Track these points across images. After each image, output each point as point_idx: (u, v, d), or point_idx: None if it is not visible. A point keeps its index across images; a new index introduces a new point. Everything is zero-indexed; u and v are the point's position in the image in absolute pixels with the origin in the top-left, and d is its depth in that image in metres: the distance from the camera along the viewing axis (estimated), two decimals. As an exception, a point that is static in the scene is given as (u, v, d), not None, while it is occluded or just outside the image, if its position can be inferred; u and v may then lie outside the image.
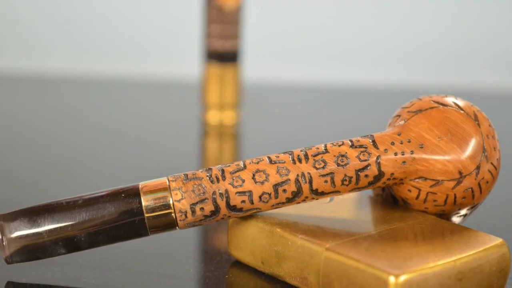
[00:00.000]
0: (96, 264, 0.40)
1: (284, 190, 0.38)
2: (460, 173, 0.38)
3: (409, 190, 0.39)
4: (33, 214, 0.37)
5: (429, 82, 0.96)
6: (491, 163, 0.39)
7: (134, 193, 0.38)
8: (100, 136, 0.69)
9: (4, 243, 0.37)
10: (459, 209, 0.40)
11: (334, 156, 0.38)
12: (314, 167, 0.38)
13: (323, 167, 0.38)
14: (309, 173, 0.38)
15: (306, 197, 0.38)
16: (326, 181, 0.38)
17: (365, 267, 0.35)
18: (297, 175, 0.38)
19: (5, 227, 0.37)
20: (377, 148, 0.39)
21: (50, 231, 0.37)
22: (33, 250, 0.37)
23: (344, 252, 0.36)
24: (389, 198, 0.42)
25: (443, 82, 0.95)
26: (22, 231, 0.37)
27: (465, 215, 0.41)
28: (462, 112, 0.39)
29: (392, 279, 0.34)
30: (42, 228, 0.37)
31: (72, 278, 0.39)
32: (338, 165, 0.38)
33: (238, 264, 0.41)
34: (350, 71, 0.96)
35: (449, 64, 1.00)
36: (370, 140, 0.39)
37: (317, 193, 0.38)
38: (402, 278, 0.34)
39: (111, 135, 0.70)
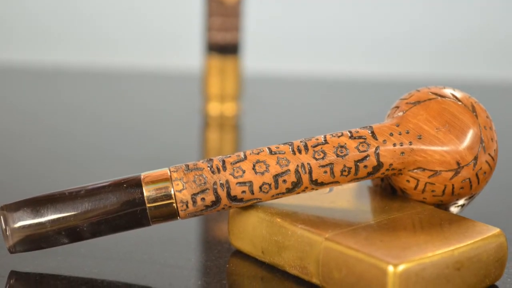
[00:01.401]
0: (99, 253, 0.41)
1: (284, 181, 0.38)
2: (458, 163, 0.39)
3: (408, 181, 0.40)
4: (36, 204, 0.38)
5: (428, 74, 0.97)
6: (489, 154, 0.39)
7: (136, 184, 0.38)
8: (102, 127, 0.70)
9: (7, 232, 0.38)
10: (457, 199, 0.40)
11: (334, 147, 0.39)
12: (314, 157, 0.38)
13: (322, 158, 0.38)
14: (308, 164, 0.38)
15: (306, 188, 0.39)
16: (325, 172, 0.38)
17: (364, 257, 0.35)
18: (297, 165, 0.38)
19: (9, 217, 0.38)
20: (376, 139, 0.39)
21: (53, 221, 0.38)
22: (36, 240, 0.38)
23: (343, 242, 0.36)
24: (388, 189, 0.42)
25: (442, 74, 0.96)
26: (25, 221, 0.38)
27: (463, 205, 0.41)
28: (460, 103, 0.40)
29: (390, 269, 0.34)
30: (45, 218, 0.38)
31: (75, 268, 0.39)
32: (338, 156, 0.38)
33: (239, 254, 0.41)
34: (350, 62, 0.96)
35: (448, 56, 1.00)
36: (369, 131, 0.39)
37: (317, 184, 0.39)
38: (401, 267, 0.34)
39: (113, 126, 0.70)
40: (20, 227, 0.38)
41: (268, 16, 0.98)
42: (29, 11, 0.98)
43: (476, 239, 0.37)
